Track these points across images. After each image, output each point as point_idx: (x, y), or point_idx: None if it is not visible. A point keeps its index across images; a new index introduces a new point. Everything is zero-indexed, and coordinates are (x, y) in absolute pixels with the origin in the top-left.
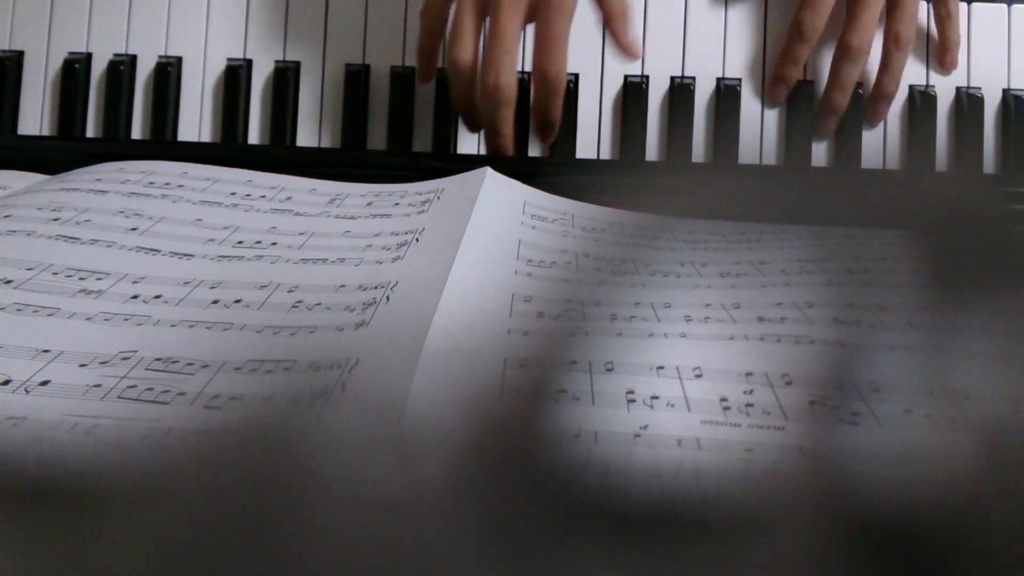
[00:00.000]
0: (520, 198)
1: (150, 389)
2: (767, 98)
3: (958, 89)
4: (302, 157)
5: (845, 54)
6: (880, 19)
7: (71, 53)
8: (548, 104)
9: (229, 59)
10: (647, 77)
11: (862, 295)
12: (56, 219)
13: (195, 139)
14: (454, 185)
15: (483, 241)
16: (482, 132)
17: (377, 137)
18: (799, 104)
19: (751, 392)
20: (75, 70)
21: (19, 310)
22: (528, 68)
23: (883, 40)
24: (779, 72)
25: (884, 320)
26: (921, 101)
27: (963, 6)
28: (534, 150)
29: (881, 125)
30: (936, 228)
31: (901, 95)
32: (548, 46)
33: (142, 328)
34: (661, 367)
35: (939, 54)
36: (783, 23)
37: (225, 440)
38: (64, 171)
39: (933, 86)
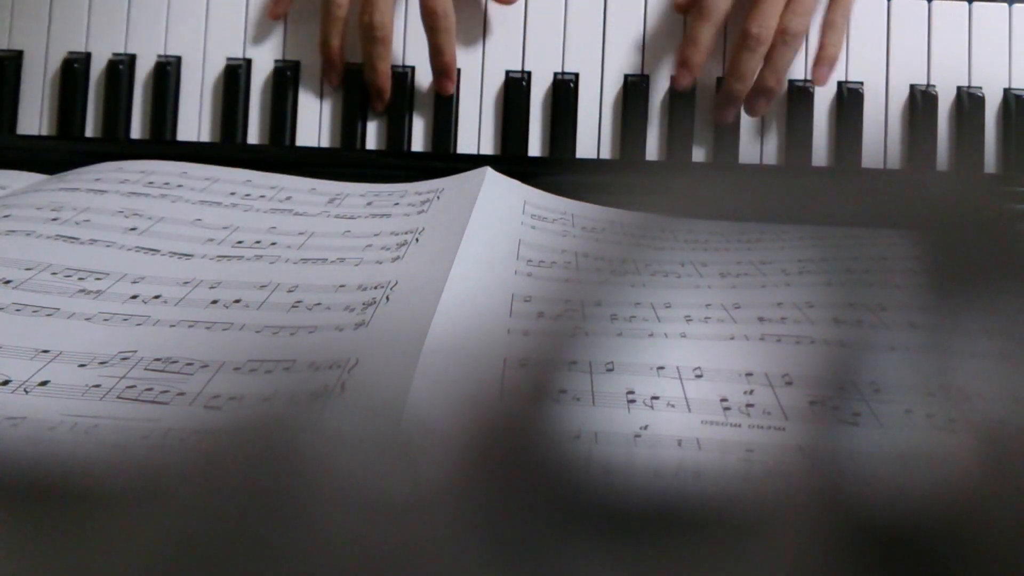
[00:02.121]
0: (520, 198)
1: (149, 389)
2: (674, 84)
3: (959, 89)
4: (301, 157)
5: (745, 43)
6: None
7: (70, 52)
8: (438, 44)
9: (228, 58)
10: (647, 76)
11: (862, 295)
12: (55, 219)
13: (194, 139)
14: (454, 185)
15: (483, 241)
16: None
17: (376, 136)
18: (799, 104)
19: (751, 392)
20: (74, 69)
21: (18, 310)
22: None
23: (773, 33)
24: (687, 57)
25: (885, 320)
26: (922, 100)
27: (964, 5)
28: (534, 150)
29: (882, 126)
30: (937, 228)
31: (902, 94)
32: None
33: (141, 328)
34: (661, 367)
35: (813, 63)
36: None
37: (224, 440)
38: (63, 171)
39: (934, 85)
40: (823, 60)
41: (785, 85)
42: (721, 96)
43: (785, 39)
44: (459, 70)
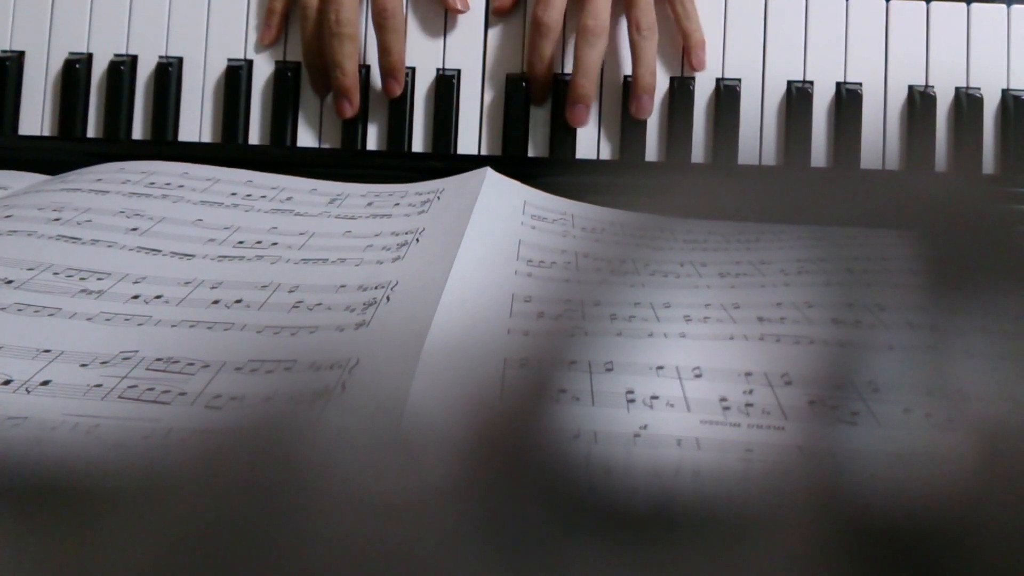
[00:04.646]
0: (520, 198)
1: (151, 389)
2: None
3: (957, 89)
4: (302, 157)
5: (584, 37)
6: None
7: (72, 53)
8: (385, 43)
9: (230, 59)
10: None
11: (861, 295)
12: (57, 219)
13: (196, 139)
14: (454, 185)
15: (483, 241)
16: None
17: (376, 137)
18: (798, 105)
19: (751, 392)
20: (76, 70)
21: (20, 310)
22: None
23: (628, 31)
24: (532, 73)
25: (883, 320)
26: (920, 101)
27: (962, 6)
28: (534, 151)
29: (880, 126)
30: (935, 228)
31: (900, 95)
32: None
33: (143, 328)
34: (661, 367)
35: (686, 55)
36: (784, 23)
37: (226, 440)
38: (65, 171)
39: (932, 86)
40: (696, 46)
41: (656, 78)
42: (570, 95)
43: (643, 33)
44: (459, 71)
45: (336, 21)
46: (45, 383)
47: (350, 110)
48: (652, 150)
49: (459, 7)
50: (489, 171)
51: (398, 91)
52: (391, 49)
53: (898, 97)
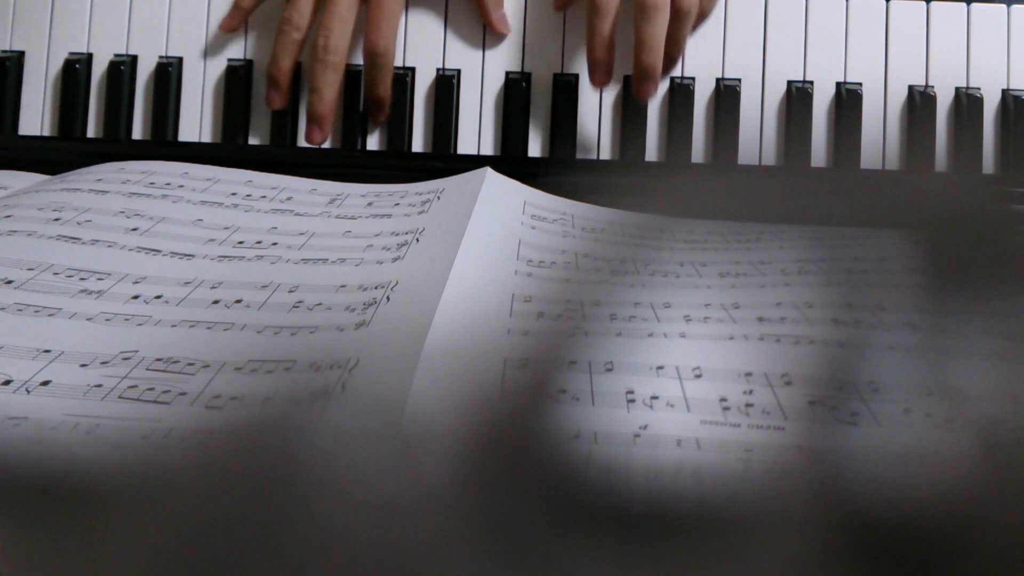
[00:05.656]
0: (520, 198)
1: (151, 389)
2: (592, 85)
3: (957, 89)
4: (302, 157)
5: (643, 14)
6: None
7: (72, 53)
8: (374, 78)
9: (230, 59)
10: None
11: (861, 295)
12: (57, 219)
13: (195, 139)
14: (454, 185)
15: (483, 241)
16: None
17: (377, 137)
18: (798, 105)
19: (751, 392)
20: (76, 70)
21: (20, 310)
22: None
23: (669, 10)
24: (593, 56)
25: (883, 320)
26: (920, 101)
27: (962, 6)
28: (534, 151)
29: (880, 126)
30: (935, 228)
31: (900, 95)
32: (377, 21)
33: (143, 328)
34: (661, 367)
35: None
36: (784, 23)
37: (226, 440)
38: (65, 171)
39: (932, 86)
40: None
41: (682, 55)
42: (636, 73)
43: (681, 16)
44: (459, 71)
45: (324, 48)
46: (45, 383)
47: (320, 137)
48: (652, 150)
49: (504, 30)
50: (489, 171)
51: (380, 119)
52: (376, 84)
53: (898, 97)
